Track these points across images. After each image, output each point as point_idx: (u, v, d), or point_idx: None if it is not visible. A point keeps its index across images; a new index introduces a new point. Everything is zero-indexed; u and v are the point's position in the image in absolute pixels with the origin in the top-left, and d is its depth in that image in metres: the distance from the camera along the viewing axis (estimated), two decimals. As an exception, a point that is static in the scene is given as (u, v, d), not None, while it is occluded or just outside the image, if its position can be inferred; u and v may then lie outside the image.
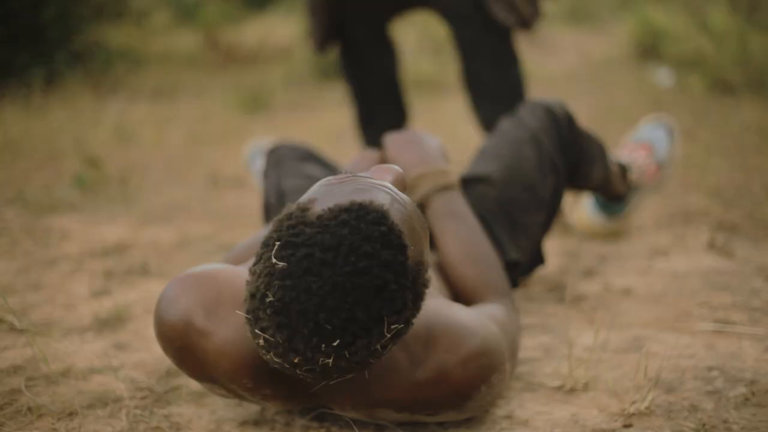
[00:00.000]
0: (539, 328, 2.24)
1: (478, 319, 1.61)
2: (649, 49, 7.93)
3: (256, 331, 1.28)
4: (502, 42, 3.19)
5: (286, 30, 9.07)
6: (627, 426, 1.67)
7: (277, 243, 1.27)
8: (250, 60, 8.27)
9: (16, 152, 4.64)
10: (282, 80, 7.23)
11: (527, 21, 3.11)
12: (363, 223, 1.26)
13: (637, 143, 2.89)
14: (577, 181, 2.45)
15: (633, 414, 1.71)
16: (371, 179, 1.41)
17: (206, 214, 3.52)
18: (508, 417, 1.74)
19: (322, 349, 1.25)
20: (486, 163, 2.24)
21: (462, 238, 1.95)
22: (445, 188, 2.02)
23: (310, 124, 5.38)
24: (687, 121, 4.89)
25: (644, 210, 3.21)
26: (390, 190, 1.39)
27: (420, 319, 1.48)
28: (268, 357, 1.31)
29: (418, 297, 1.34)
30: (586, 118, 4.98)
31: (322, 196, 1.35)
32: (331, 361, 1.26)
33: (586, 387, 1.85)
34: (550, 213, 2.28)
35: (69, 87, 6.38)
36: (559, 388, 1.86)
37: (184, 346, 1.52)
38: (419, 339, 1.51)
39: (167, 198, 3.82)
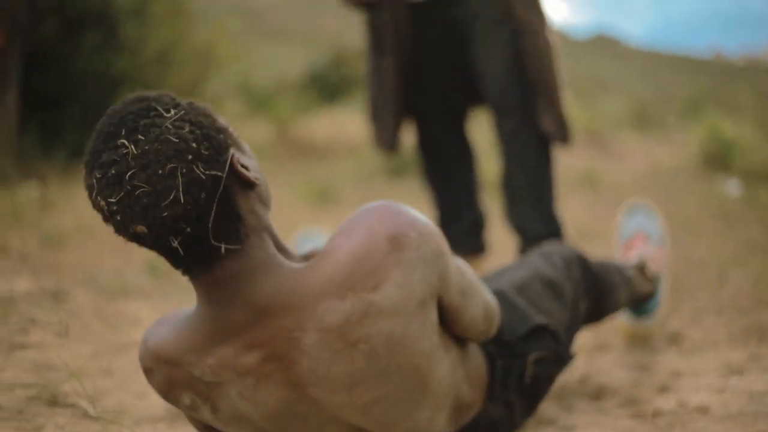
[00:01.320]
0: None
1: None
2: (717, 158, 7.91)
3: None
4: (543, 151, 3.30)
5: (356, 126, 9.17)
6: None
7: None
8: (320, 154, 8.37)
9: (88, 234, 4.71)
10: (352, 175, 7.30)
11: (569, 137, 3.26)
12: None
13: (630, 240, 2.93)
14: (608, 312, 2.48)
15: None
16: None
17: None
18: None
19: (118, 145, 1.40)
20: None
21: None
22: None
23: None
24: (756, 233, 4.85)
25: (713, 326, 3.17)
26: None
27: None
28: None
29: (199, 115, 1.47)
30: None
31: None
32: (132, 148, 1.39)
33: None
34: (573, 314, 2.27)
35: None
36: None
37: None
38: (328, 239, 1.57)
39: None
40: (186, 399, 1.60)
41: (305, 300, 1.48)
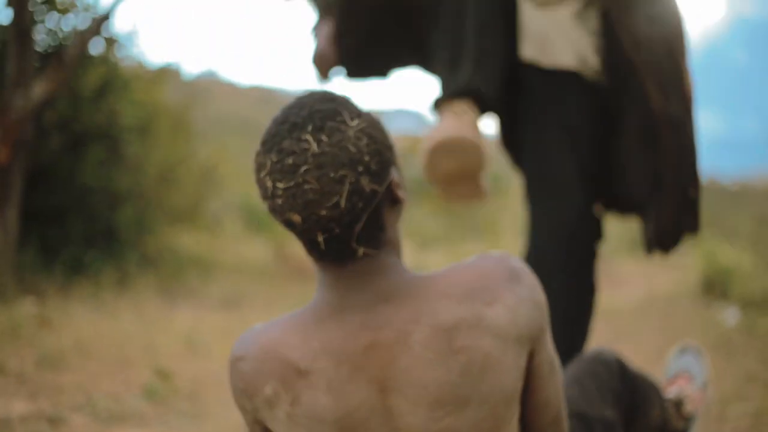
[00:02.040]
0: None
1: None
2: (716, 285, 7.92)
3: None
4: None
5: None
6: None
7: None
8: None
9: (86, 354, 4.69)
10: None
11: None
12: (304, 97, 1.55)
13: (674, 377, 2.86)
14: (636, 425, 2.42)
15: None
16: None
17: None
18: None
19: (304, 137, 1.46)
20: None
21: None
22: None
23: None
24: (755, 365, 4.84)
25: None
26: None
27: None
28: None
29: (374, 130, 1.51)
30: (651, 355, 4.97)
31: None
32: (316, 146, 1.45)
33: None
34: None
35: (139, 289, 6.50)
36: None
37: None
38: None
39: (238, 417, 3.80)
40: (268, 389, 1.59)
41: (426, 295, 1.55)
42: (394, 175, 1.58)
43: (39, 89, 6.89)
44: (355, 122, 1.49)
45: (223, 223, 9.26)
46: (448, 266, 1.63)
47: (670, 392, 2.77)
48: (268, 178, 1.50)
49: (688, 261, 9.42)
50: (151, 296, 6.32)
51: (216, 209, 9.03)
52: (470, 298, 1.54)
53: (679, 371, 2.87)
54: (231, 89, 36.15)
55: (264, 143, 1.51)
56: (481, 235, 12.79)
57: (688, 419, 2.69)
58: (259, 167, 1.52)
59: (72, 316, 5.51)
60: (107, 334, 5.14)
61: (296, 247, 8.70)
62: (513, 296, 1.56)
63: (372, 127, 1.52)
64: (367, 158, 1.48)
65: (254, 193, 8.44)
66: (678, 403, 2.67)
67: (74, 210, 7.61)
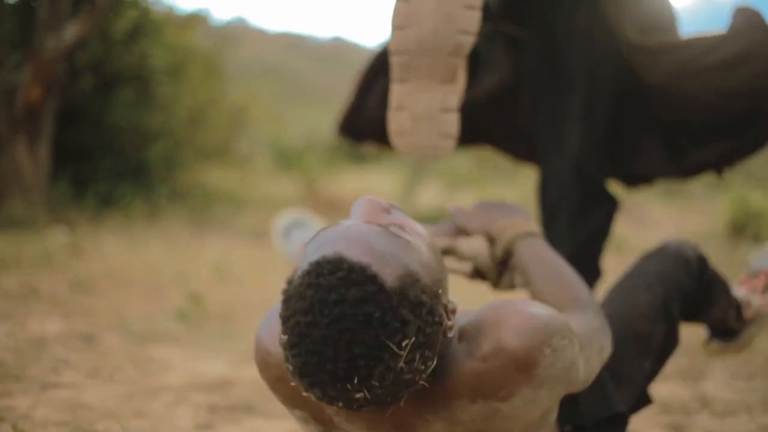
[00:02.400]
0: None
1: (541, 306, 1.61)
2: (745, 228, 7.89)
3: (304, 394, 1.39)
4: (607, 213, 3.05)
5: (384, 183, 9.21)
6: None
7: (280, 320, 1.37)
8: (347, 209, 8.37)
9: (118, 280, 4.73)
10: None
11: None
12: (322, 278, 1.32)
13: (755, 273, 2.81)
14: (693, 319, 2.41)
15: None
16: (334, 228, 1.45)
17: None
18: None
19: (350, 388, 1.32)
20: None
21: (547, 276, 1.97)
22: (528, 235, 2.08)
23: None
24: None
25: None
26: (348, 230, 1.42)
27: (477, 313, 1.57)
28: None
29: (418, 306, 1.37)
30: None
31: (300, 261, 1.42)
32: (366, 393, 1.34)
33: None
34: (659, 358, 2.20)
35: (169, 222, 6.54)
36: None
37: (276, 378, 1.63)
38: (474, 329, 1.55)
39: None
40: (297, 413, 1.65)
41: (444, 395, 1.53)
42: (448, 325, 1.47)
43: (71, 32, 6.98)
44: (404, 344, 1.34)
45: (253, 161, 9.26)
46: (469, 330, 1.58)
47: (740, 292, 2.73)
48: (316, 393, 1.38)
49: (717, 206, 9.39)
50: (181, 228, 6.36)
51: (245, 148, 9.02)
52: (484, 396, 1.53)
53: (760, 269, 2.83)
54: (260, 35, 36.06)
55: (304, 382, 1.36)
56: (510, 178, 12.74)
57: (744, 322, 2.66)
58: (301, 381, 1.38)
59: (103, 245, 5.55)
60: (138, 262, 5.19)
61: (328, 183, 8.76)
62: (530, 386, 1.53)
63: (419, 319, 1.38)
64: (422, 367, 1.40)
65: (284, 133, 8.42)
66: (739, 307, 2.65)
67: (104, 148, 7.67)
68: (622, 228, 8.65)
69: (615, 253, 7.18)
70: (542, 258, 2.01)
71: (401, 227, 1.47)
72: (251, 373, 3.27)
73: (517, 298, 1.63)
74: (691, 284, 2.27)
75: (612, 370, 2.10)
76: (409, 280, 1.37)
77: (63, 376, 3.08)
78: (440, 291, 1.44)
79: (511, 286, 2.16)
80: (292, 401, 1.63)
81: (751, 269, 2.79)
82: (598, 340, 1.78)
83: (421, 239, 1.49)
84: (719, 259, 6.56)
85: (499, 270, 2.15)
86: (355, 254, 1.36)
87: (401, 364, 1.34)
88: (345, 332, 1.30)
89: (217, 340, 3.76)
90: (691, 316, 2.37)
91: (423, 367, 1.39)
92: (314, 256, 1.37)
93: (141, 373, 3.20)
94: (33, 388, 2.88)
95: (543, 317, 1.54)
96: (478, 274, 2.15)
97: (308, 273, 1.34)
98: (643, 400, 2.22)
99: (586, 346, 1.69)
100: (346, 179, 9.57)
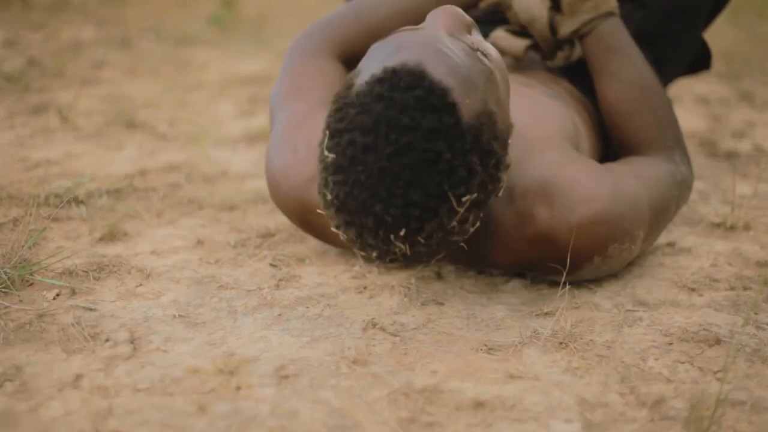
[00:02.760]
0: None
1: (607, 182, 1.41)
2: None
3: (333, 229, 1.21)
4: None
5: None
6: (791, 261, 1.65)
7: (327, 132, 1.17)
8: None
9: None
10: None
11: None
12: (396, 91, 1.12)
13: None
14: None
15: (797, 252, 1.69)
16: (416, 33, 1.23)
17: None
18: (671, 245, 1.73)
19: (392, 239, 1.15)
20: None
21: (627, 78, 1.69)
22: (610, 15, 1.71)
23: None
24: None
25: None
26: (435, 40, 1.20)
27: (535, 172, 1.38)
28: (355, 250, 1.25)
29: (489, 155, 1.19)
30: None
31: (365, 64, 1.21)
32: (407, 248, 1.17)
33: (746, 226, 1.83)
34: (710, 16, 2.02)
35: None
36: (719, 225, 1.84)
37: (300, 220, 1.53)
38: (531, 194, 1.38)
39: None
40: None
41: (477, 260, 1.47)
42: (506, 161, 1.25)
43: None
44: (465, 198, 1.16)
45: None
46: None
47: None
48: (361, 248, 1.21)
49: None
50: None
51: None
52: (518, 267, 1.46)
53: None
54: None
55: (351, 233, 1.19)
56: None
57: None
58: (346, 232, 1.20)
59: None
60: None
61: None
62: (567, 276, 1.44)
63: (480, 160, 1.18)
64: (470, 230, 1.23)
65: None
66: None
67: None
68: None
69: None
70: (627, 58, 1.71)
71: (485, 54, 1.26)
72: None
73: (585, 165, 1.44)
74: None
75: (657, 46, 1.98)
76: (486, 120, 1.19)
77: (102, 73, 3.10)
78: (509, 141, 1.27)
79: (567, 60, 1.80)
80: (323, 236, 1.53)
81: None
82: (676, 206, 1.62)
83: (499, 73, 1.28)
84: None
85: (556, 44, 1.78)
86: (439, 71, 1.16)
87: (454, 222, 1.17)
88: (407, 169, 1.11)
89: (252, 41, 3.75)
90: None
91: (471, 228, 1.22)
92: (389, 61, 1.17)
93: (179, 70, 3.21)
94: (73, 83, 2.90)
95: (609, 220, 1.38)
96: (531, 49, 1.79)
97: (380, 81, 1.13)
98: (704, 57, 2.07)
99: (655, 226, 1.54)
100: None
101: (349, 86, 1.18)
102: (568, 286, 1.45)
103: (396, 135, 1.10)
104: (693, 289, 1.52)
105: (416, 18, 1.66)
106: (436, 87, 1.12)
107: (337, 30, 1.76)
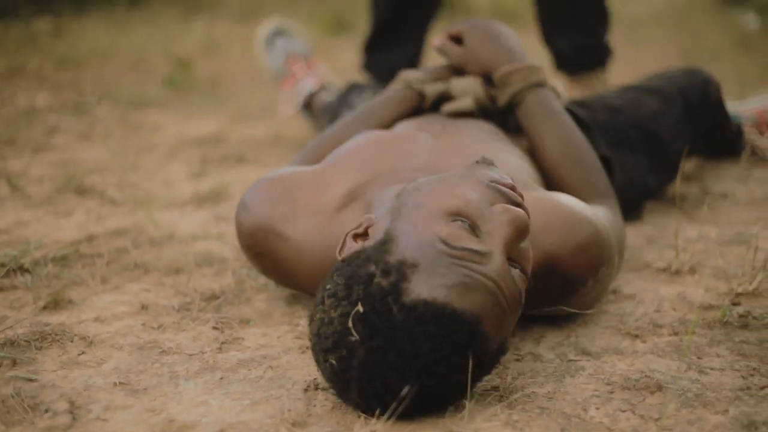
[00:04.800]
0: (640, 221, 2.22)
1: (589, 209, 1.50)
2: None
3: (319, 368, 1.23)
4: None
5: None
6: (735, 304, 1.66)
7: (360, 307, 1.14)
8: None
9: (104, 57, 4.70)
10: (365, 4, 7.16)
11: None
12: (448, 343, 1.13)
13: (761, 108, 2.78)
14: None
15: (741, 294, 1.70)
16: (483, 267, 1.19)
17: (296, 116, 3.46)
18: (614, 291, 1.74)
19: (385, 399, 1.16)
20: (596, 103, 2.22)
21: (559, 138, 1.82)
22: (539, 85, 1.88)
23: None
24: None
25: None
26: (497, 287, 1.19)
27: (529, 204, 1.40)
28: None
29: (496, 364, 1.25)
30: (673, 58, 4.95)
31: (427, 267, 1.17)
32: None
33: (692, 270, 1.84)
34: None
35: (152, 5, 6.44)
36: (665, 270, 1.85)
37: (262, 252, 1.56)
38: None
39: (257, 100, 3.83)
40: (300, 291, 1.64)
41: None
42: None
43: None
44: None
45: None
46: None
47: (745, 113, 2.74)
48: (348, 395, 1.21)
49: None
50: (165, 10, 6.28)
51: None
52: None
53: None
54: None
55: (341, 389, 1.21)
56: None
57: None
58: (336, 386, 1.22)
59: (86, 28, 5.50)
60: (123, 42, 5.14)
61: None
62: (561, 302, 1.51)
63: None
64: None
65: None
66: (740, 125, 2.69)
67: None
68: None
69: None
70: (555, 120, 1.85)
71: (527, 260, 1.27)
72: (241, 129, 3.29)
73: (565, 196, 1.53)
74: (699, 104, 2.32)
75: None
76: (503, 348, 1.24)
77: (55, 139, 3.10)
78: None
79: (516, 130, 1.94)
80: (281, 275, 1.60)
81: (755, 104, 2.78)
82: (623, 249, 1.68)
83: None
84: (713, 24, 6.51)
85: (500, 111, 1.94)
86: (491, 327, 1.18)
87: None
88: (427, 387, 1.15)
89: (207, 103, 3.75)
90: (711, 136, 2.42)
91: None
92: (451, 296, 1.15)
93: (132, 134, 3.21)
94: (26, 151, 2.90)
95: (602, 242, 1.46)
96: (479, 109, 1.93)
97: (436, 321, 1.13)
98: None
99: (620, 257, 1.62)
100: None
101: (403, 279, 1.16)
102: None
103: (430, 371, 1.13)
104: (636, 336, 1.52)
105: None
106: (482, 348, 1.16)
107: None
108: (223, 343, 1.52)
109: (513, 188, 1.30)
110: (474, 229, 1.23)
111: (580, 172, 1.79)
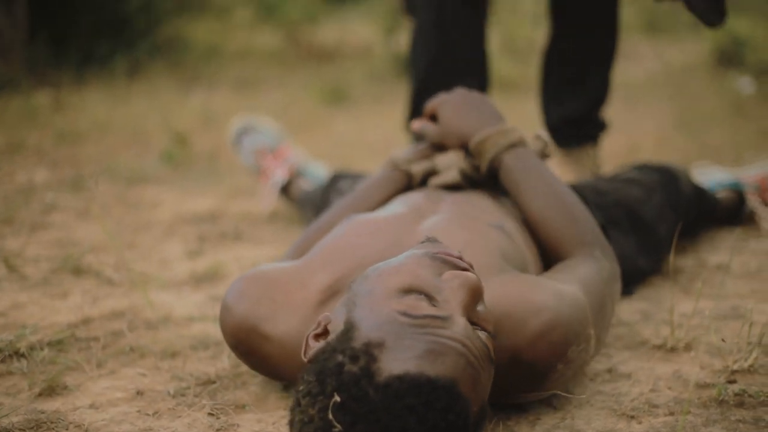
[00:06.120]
0: (636, 297, 2.23)
1: (550, 290, 1.49)
2: (730, 57, 7.85)
3: None
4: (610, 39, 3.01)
5: (365, 28, 9.10)
6: (731, 382, 1.66)
7: (337, 398, 1.14)
8: (330, 56, 8.29)
9: (103, 131, 4.71)
10: (362, 76, 7.23)
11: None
12: (431, 411, 1.13)
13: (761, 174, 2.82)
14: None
15: (736, 371, 1.70)
16: (446, 331, 1.21)
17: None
18: (610, 371, 1.74)
19: None
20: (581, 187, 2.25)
21: (541, 193, 1.84)
22: (513, 146, 1.91)
23: (391, 116, 5.37)
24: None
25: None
26: (466, 347, 1.21)
27: (488, 304, 1.41)
28: None
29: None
30: (669, 124, 4.98)
31: (393, 343, 1.19)
32: None
33: (687, 347, 1.85)
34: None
35: (151, 77, 6.48)
36: (660, 347, 1.86)
37: (248, 351, 1.56)
38: None
39: (250, 180, 3.84)
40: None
41: None
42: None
43: None
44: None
45: (233, 11, 9.13)
46: None
47: (753, 201, 2.78)
48: None
49: (701, 36, 9.32)
50: (163, 82, 6.31)
51: (224, -1, 8.90)
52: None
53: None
54: None
55: None
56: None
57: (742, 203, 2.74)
58: None
59: (87, 101, 5.52)
60: (122, 115, 5.16)
61: (309, 31, 8.66)
62: (535, 388, 1.51)
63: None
64: None
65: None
66: (742, 192, 2.74)
67: (82, 1, 7.51)
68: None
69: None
70: (536, 177, 1.88)
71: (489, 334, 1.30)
72: (238, 206, 3.30)
73: (525, 281, 1.52)
74: (679, 196, 2.38)
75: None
76: (483, 412, 1.25)
77: (52, 217, 3.11)
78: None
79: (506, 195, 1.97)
80: (269, 371, 1.60)
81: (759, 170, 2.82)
82: (611, 301, 1.69)
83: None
84: (708, 89, 6.56)
85: (487, 179, 1.97)
86: (468, 390, 1.20)
87: None
88: None
89: (204, 178, 3.77)
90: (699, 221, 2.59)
91: None
92: (424, 366, 1.16)
93: (130, 211, 3.22)
94: (23, 229, 2.91)
95: (561, 325, 1.44)
96: (466, 180, 1.96)
97: (415, 392, 1.13)
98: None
99: (599, 324, 1.59)
100: (327, 26, 9.45)
101: (372, 360, 1.16)
102: (502, 424, 1.44)
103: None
104: (632, 417, 1.53)
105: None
106: (464, 410, 1.16)
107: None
108: (218, 430, 1.52)
109: (460, 257, 1.32)
110: (430, 299, 1.25)
111: (564, 223, 1.81)
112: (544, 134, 2.06)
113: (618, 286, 1.77)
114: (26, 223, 2.98)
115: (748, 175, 2.83)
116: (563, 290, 1.52)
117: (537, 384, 1.47)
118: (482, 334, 1.26)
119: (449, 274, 1.29)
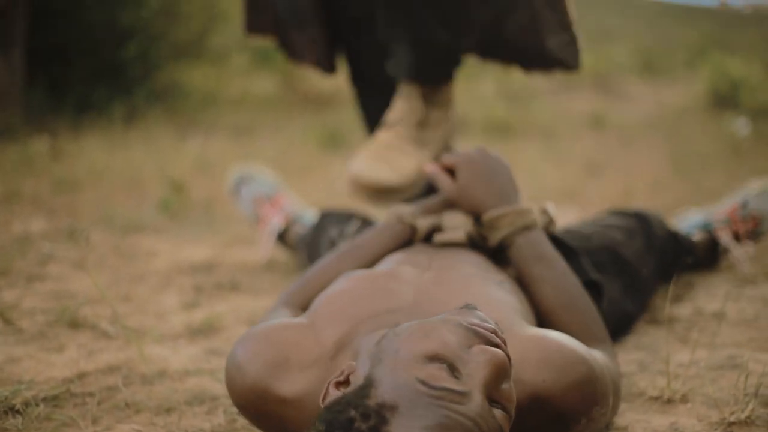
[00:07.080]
0: (632, 346, 2.23)
1: (584, 348, 1.52)
2: (725, 98, 7.89)
3: None
4: None
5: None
6: (728, 435, 1.66)
7: None
8: (326, 102, 8.33)
9: (100, 179, 4.72)
10: (358, 121, 7.23)
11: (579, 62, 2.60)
12: None
13: (744, 215, 2.81)
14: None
15: (733, 423, 1.70)
16: (462, 407, 1.20)
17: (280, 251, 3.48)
18: (607, 425, 1.73)
19: None
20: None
21: (552, 282, 1.85)
22: (527, 229, 1.93)
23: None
24: (764, 164, 4.88)
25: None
26: (476, 421, 1.20)
27: (521, 341, 1.45)
28: None
29: None
30: (664, 166, 5.00)
31: (406, 409, 1.19)
32: None
33: (684, 398, 1.84)
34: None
35: (148, 123, 6.49)
36: (657, 399, 1.86)
37: (260, 414, 1.53)
38: (517, 365, 1.41)
39: (248, 228, 3.85)
40: None
41: None
42: None
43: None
44: None
45: (229, 57, 9.17)
46: None
47: (724, 237, 2.79)
48: None
49: (697, 78, 9.38)
50: (160, 129, 6.32)
51: (221, 44, 8.92)
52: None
53: (752, 212, 2.84)
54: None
55: None
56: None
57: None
58: None
59: (84, 149, 5.53)
60: (119, 162, 5.17)
61: (303, 77, 8.69)
62: None
63: None
64: None
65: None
66: (716, 239, 2.76)
67: (79, 48, 7.54)
68: (600, 104, 8.66)
69: (595, 129, 7.21)
70: (546, 267, 1.88)
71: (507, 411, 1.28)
72: (235, 255, 3.31)
73: (559, 334, 1.54)
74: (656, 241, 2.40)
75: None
76: None
77: (49, 269, 3.11)
78: None
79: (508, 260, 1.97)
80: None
81: (745, 205, 2.81)
82: (619, 390, 1.70)
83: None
84: (704, 130, 6.59)
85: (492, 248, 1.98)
86: None
87: None
88: None
89: (201, 227, 3.78)
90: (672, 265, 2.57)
91: None
92: (425, 423, 1.17)
93: (126, 261, 3.22)
94: (19, 281, 2.91)
95: (596, 380, 1.47)
96: (471, 243, 1.98)
97: None
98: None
99: (615, 397, 1.63)
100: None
101: (383, 421, 1.17)
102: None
103: None
104: (629, 472, 1.52)
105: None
106: None
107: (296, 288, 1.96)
108: (213, 488, 1.51)
109: (494, 332, 1.31)
110: (453, 371, 1.23)
111: (575, 316, 1.81)
112: (552, 207, 2.07)
113: (620, 383, 1.74)
114: (22, 274, 2.98)
115: (719, 210, 2.85)
116: (595, 353, 1.55)
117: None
118: (499, 413, 1.25)
119: (478, 348, 1.27)
